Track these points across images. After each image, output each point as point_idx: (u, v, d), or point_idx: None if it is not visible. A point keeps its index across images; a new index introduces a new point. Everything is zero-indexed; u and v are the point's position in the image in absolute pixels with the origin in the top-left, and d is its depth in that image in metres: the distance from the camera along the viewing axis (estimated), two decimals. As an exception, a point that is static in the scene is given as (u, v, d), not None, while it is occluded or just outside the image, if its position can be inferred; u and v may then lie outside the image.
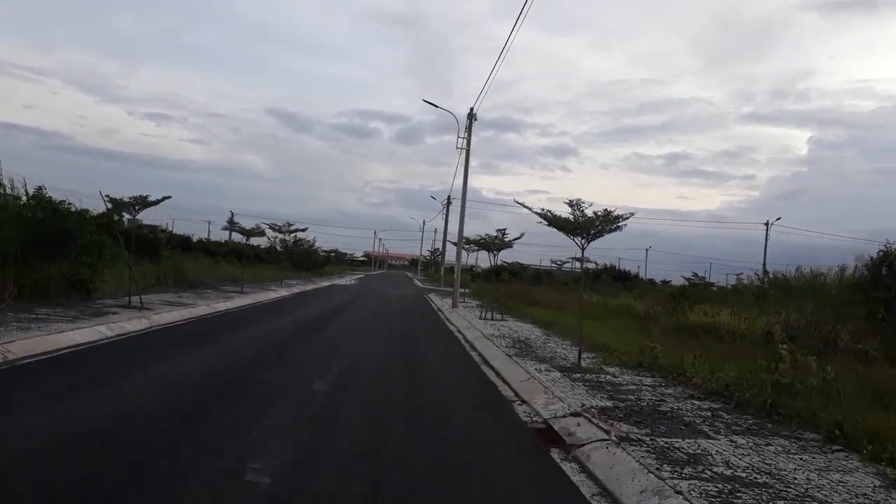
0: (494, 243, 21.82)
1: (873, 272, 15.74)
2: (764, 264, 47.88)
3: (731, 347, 12.46)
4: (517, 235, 23.08)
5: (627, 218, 9.55)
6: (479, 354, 11.87)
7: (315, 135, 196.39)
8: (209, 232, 74.15)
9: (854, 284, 17.95)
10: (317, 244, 52.44)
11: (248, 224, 27.04)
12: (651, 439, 5.75)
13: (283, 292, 25.35)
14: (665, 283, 55.71)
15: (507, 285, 33.07)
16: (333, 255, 65.26)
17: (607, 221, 9.53)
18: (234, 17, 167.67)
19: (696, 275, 46.39)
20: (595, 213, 9.40)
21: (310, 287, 31.64)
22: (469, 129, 26.99)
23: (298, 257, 48.66)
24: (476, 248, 26.56)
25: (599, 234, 9.52)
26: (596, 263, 46.35)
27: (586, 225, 9.53)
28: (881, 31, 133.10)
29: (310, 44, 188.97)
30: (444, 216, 48.05)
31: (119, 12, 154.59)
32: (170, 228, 63.72)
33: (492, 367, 10.30)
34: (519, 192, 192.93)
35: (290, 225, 29.50)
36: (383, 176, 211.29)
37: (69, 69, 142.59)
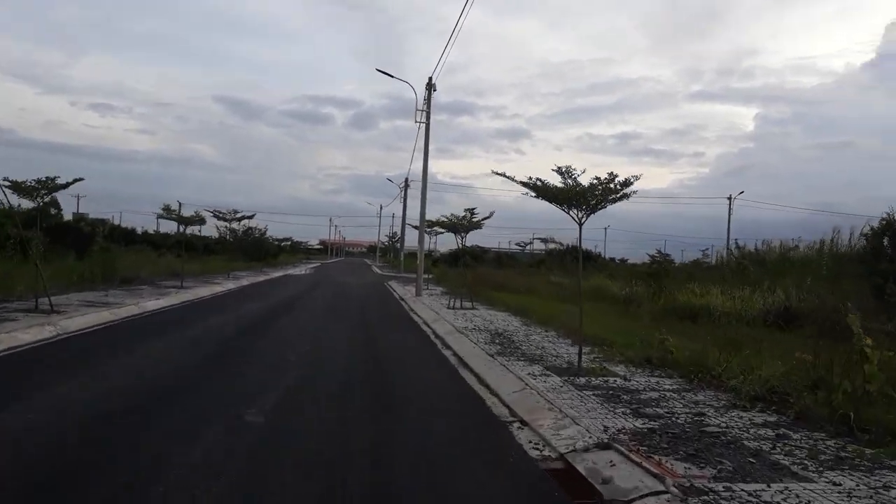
0: (462, 224, 19.93)
1: (873, 243, 14.51)
2: (728, 239, 47.46)
3: (738, 332, 10.93)
4: (486, 215, 21.22)
5: (632, 184, 7.80)
6: (455, 354, 10.05)
7: (266, 122, 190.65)
8: (157, 224, 70.09)
9: (849, 256, 16.81)
10: (269, 233, 49.72)
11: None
12: (725, 488, 4.01)
13: (229, 285, 23.02)
14: (623, 261, 55.12)
15: (471, 269, 31.45)
16: (288, 243, 61.97)
17: (608, 191, 7.76)
18: (177, 2, 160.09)
19: (660, 252, 45.72)
20: (597, 178, 7.61)
21: (261, 278, 29.26)
22: (428, 100, 24.73)
23: (249, 247, 45.94)
24: (442, 230, 24.67)
25: (601, 204, 7.75)
26: (561, 244, 45.11)
27: (584, 194, 7.74)
28: (821, 8, 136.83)
29: (259, 29, 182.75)
30: (403, 199, 46.07)
31: (62, 2, 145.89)
32: (115, 221, 60.08)
33: (472, 371, 8.49)
34: (475, 176, 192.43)
35: (236, 213, 27.08)
36: (338, 162, 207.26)
37: (7, 59, 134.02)
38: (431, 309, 17.25)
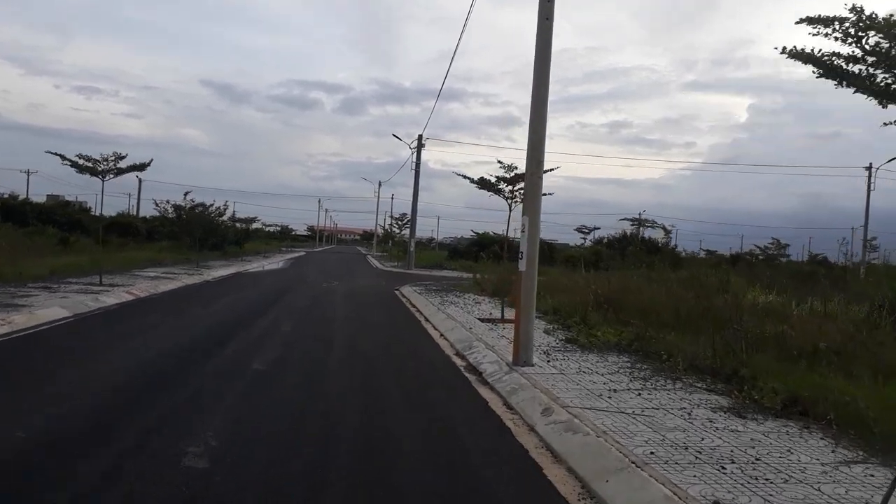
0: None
1: None
2: (866, 228, 34.61)
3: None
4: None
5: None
6: None
7: (254, 106, 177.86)
8: (130, 206, 57.32)
9: None
10: (230, 212, 36.59)
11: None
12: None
13: (59, 313, 10.10)
14: (710, 254, 42.60)
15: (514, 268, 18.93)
16: (255, 226, 46.82)
17: None
18: None
19: (776, 241, 33.25)
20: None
21: (174, 286, 16.36)
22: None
23: (197, 231, 32.96)
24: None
25: None
26: (665, 227, 32.25)
27: None
28: None
29: (243, 13, 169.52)
30: (414, 163, 32.98)
31: None
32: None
33: None
34: (466, 164, 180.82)
35: (115, 159, 14.11)
36: (328, 149, 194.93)
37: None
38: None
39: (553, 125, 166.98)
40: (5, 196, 39.84)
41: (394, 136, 43.64)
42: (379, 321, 12.02)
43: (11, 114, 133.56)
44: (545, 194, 9.07)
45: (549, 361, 7.43)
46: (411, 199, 35.93)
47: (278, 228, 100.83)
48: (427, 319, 12.31)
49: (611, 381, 6.48)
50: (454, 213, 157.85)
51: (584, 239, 36.21)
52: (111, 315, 10.90)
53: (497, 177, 12.92)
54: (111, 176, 14.68)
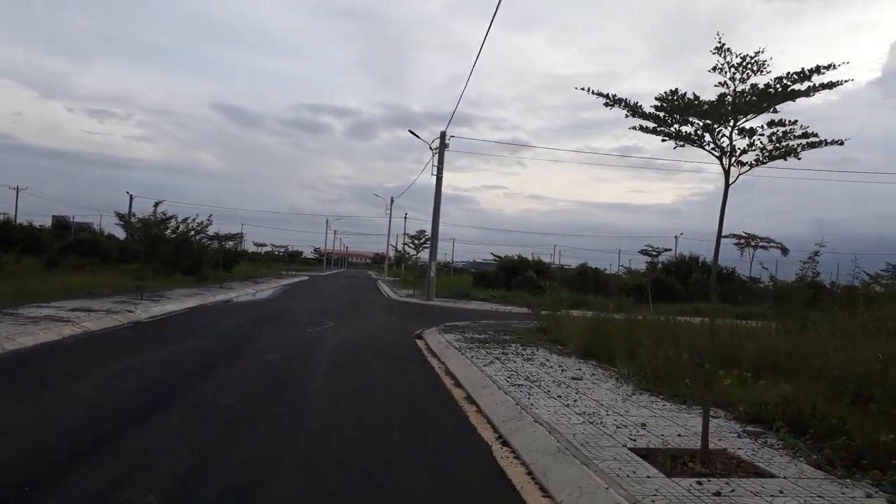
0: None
1: None
2: None
3: None
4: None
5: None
6: None
7: (265, 130, 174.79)
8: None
9: None
10: (211, 229, 30.08)
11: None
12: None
13: None
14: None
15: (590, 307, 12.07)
16: (234, 243, 37.07)
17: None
18: (172, 11, 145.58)
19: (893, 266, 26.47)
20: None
21: (46, 337, 9.91)
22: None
23: (165, 252, 26.57)
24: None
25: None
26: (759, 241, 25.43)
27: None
28: (831, 24, 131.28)
29: (254, 38, 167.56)
30: (437, 163, 26.12)
31: (62, 8, 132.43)
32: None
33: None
34: (476, 188, 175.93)
35: None
36: (338, 172, 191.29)
37: (12, 65, 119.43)
38: None
39: (562, 149, 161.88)
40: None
41: (410, 132, 38.24)
42: (391, 444, 5.38)
43: (26, 135, 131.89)
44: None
45: None
46: (426, 219, 29.50)
47: (282, 251, 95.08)
48: (501, 438, 5.58)
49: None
50: (468, 235, 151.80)
51: (652, 262, 29.45)
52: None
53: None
54: None
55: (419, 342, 12.24)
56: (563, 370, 8.50)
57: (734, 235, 17.94)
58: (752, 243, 17.64)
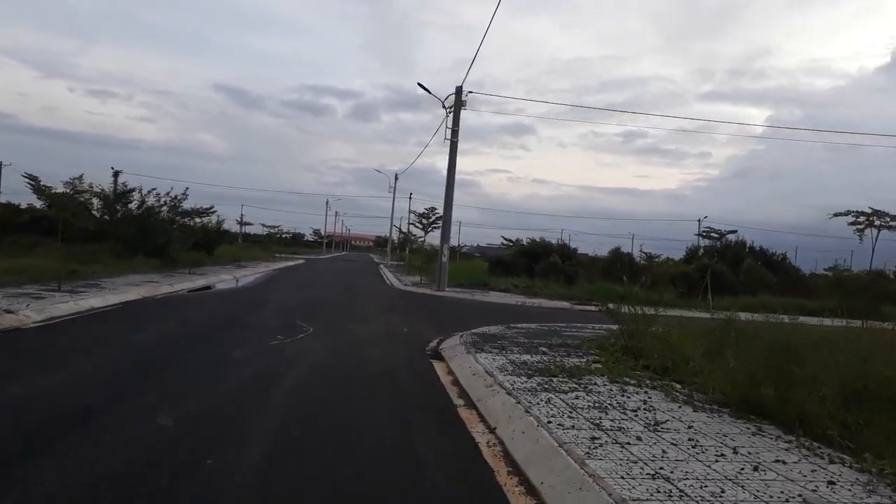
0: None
1: None
2: None
3: None
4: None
5: None
6: None
7: (267, 111, 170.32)
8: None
9: None
10: (186, 204, 25.63)
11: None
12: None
13: None
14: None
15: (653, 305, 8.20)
16: (212, 219, 31.87)
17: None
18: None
19: None
20: None
21: None
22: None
23: (127, 231, 22.23)
24: None
25: None
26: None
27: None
28: (837, 10, 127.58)
29: (257, 19, 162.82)
30: (450, 121, 21.35)
31: None
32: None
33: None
34: (480, 172, 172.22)
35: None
36: (341, 154, 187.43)
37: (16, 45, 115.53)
38: None
39: (566, 133, 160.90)
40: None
41: (419, 84, 34.00)
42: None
43: (27, 116, 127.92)
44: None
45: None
46: (430, 201, 24.99)
47: (286, 234, 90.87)
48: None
49: None
50: (472, 218, 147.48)
51: (715, 242, 25.05)
52: None
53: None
54: None
55: (438, 366, 7.84)
56: (752, 463, 4.09)
57: (852, 212, 13.39)
58: (878, 223, 13.12)
